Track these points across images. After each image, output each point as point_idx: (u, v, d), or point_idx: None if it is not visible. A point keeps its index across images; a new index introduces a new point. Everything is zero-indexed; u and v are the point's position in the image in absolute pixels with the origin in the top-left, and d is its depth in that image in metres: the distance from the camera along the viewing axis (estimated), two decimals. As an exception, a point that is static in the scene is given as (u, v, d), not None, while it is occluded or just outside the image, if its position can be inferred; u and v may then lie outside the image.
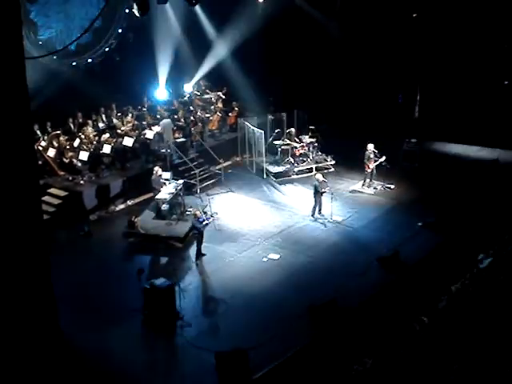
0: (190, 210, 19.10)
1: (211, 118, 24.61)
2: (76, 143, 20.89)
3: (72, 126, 22.03)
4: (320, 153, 23.32)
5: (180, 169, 21.42)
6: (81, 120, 22.27)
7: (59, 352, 11.70)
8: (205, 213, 17.24)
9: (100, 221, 19.53)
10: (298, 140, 23.18)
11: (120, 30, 23.71)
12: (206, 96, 25.49)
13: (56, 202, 19.45)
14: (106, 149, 20.92)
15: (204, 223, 16.78)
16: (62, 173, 20.44)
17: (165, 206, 18.92)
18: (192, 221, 17.18)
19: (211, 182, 21.95)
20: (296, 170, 22.63)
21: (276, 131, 23.91)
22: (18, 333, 10.57)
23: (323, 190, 19.01)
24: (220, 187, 21.79)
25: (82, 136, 21.21)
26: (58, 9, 22.28)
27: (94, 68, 23.23)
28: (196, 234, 16.92)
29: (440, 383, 10.98)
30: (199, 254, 16.81)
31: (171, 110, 24.01)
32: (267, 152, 23.59)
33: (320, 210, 19.20)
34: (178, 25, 24.59)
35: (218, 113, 24.72)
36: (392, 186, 21.23)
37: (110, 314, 14.45)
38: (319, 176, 19.38)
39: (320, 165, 22.82)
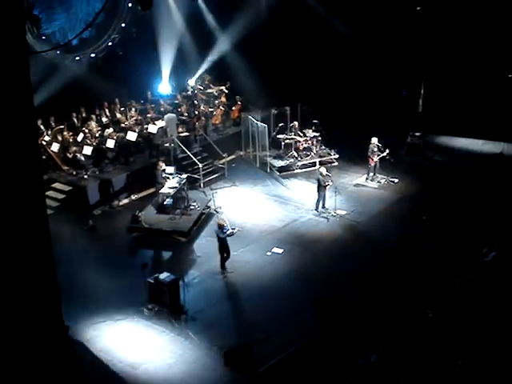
0: (194, 204, 19.13)
1: (214, 112, 24.59)
2: (80, 138, 20.89)
3: (76, 121, 22.03)
4: (323, 147, 23.29)
5: (183, 163, 21.41)
6: (84, 115, 22.28)
7: (63, 347, 11.72)
8: (233, 230, 16.03)
9: (104, 215, 19.55)
10: (301, 134, 23.15)
11: (123, 25, 23.68)
12: (210, 90, 25.45)
13: (60, 196, 19.51)
14: (110, 143, 20.92)
15: (227, 233, 15.87)
16: (66, 167, 20.45)
17: (168, 201, 18.93)
18: (215, 231, 16.15)
19: (215, 176, 21.96)
20: (299, 164, 22.60)
21: (279, 125, 23.88)
22: (22, 328, 10.59)
23: (327, 184, 18.99)
24: (223, 181, 21.80)
25: (86, 131, 21.20)
26: (61, 3, 22.26)
27: (97, 63, 23.22)
28: (219, 243, 16.02)
29: (444, 378, 10.97)
30: (222, 263, 16.08)
31: (174, 104, 23.99)
32: (271, 146, 23.58)
33: (324, 203, 19.18)
34: (181, 18, 24.56)
35: (221, 107, 24.68)
36: (396, 180, 21.20)
37: (113, 308, 14.47)
38: (323, 170, 19.36)
39: (323, 159, 22.78)
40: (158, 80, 24.70)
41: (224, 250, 16.06)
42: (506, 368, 11.13)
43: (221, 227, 15.86)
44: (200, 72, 25.69)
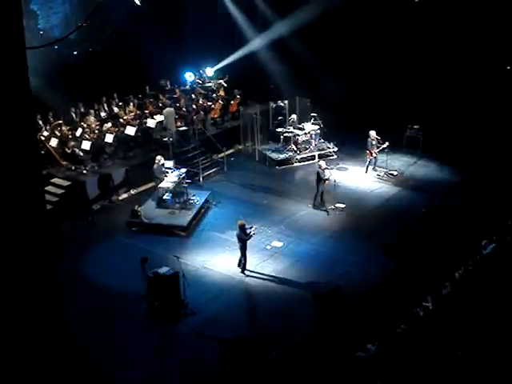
0: (193, 198, 19.14)
1: (213, 106, 24.55)
2: (78, 133, 20.88)
3: (74, 116, 21.99)
4: (322, 140, 23.29)
5: (182, 157, 21.41)
6: (83, 109, 22.24)
7: (64, 341, 11.75)
8: (251, 229, 15.86)
9: (103, 210, 19.56)
10: (300, 127, 23.14)
11: (120, 19, 23.57)
12: (208, 84, 25.42)
13: (59, 191, 19.48)
14: (109, 138, 20.90)
15: (251, 233, 15.68)
16: (65, 162, 20.44)
17: (167, 195, 18.94)
18: (236, 232, 15.74)
19: (214, 170, 21.97)
20: (298, 157, 22.61)
21: (278, 118, 23.87)
22: (23, 323, 10.61)
23: (326, 178, 19.00)
24: (222, 175, 21.79)
25: (84, 125, 21.19)
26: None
27: (94, 57, 23.14)
28: (240, 245, 15.75)
29: (443, 370, 11.01)
30: (245, 265, 15.82)
31: (173, 98, 23.95)
32: (269, 140, 23.56)
33: (322, 197, 19.19)
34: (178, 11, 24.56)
35: (219, 101, 24.65)
36: (395, 173, 21.20)
37: (113, 303, 14.51)
38: (322, 163, 19.37)
39: (322, 152, 22.80)
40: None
41: (245, 250, 15.79)
42: (504, 360, 11.17)
43: (242, 228, 15.52)
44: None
